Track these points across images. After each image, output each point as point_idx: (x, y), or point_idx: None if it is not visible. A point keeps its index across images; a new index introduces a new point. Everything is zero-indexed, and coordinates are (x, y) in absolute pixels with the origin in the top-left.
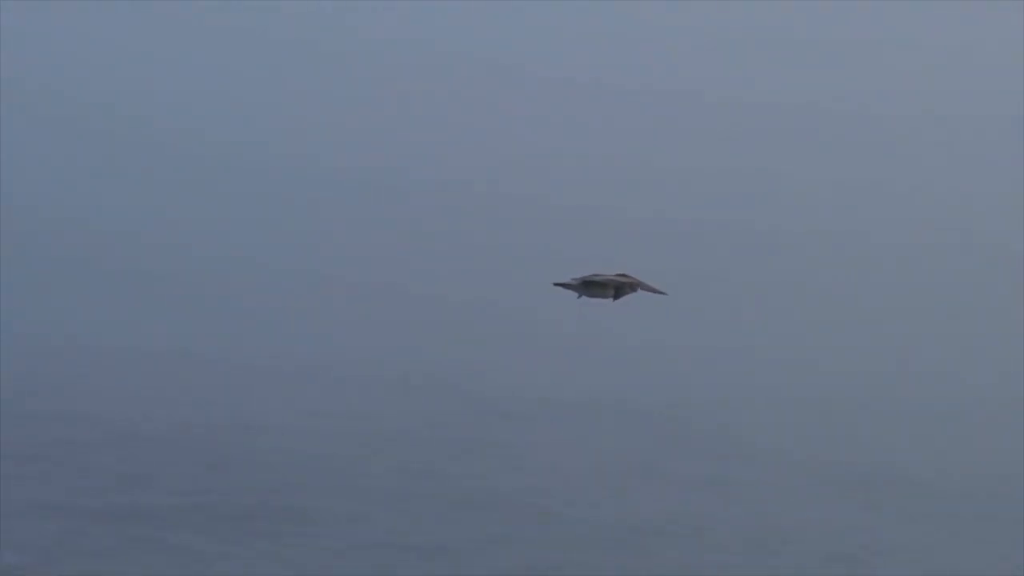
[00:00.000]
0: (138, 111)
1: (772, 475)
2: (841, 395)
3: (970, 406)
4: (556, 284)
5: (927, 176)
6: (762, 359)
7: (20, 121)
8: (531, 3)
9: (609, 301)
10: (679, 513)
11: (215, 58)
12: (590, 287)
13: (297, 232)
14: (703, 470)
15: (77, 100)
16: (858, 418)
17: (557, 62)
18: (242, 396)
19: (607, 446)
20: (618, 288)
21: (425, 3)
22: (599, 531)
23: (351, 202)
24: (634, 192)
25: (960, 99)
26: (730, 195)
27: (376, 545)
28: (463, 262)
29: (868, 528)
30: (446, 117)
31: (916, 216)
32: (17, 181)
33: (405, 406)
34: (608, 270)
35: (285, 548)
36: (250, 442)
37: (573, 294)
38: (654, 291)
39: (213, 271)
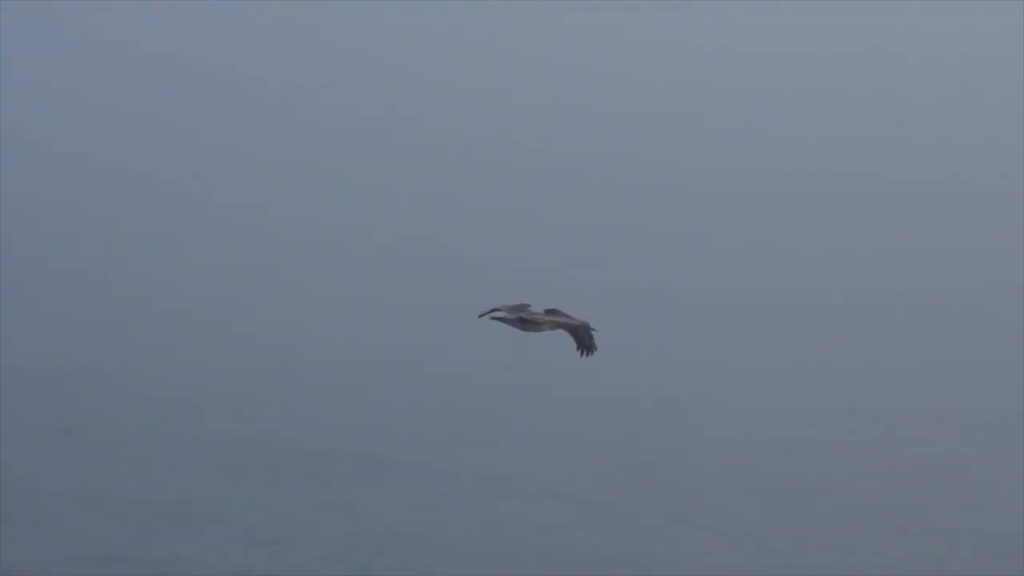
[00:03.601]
0: None
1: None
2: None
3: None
4: (493, 318)
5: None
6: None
7: None
8: None
9: (538, 333)
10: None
11: None
12: (526, 324)
13: None
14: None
15: None
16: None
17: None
18: None
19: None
20: (576, 336)
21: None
22: (41, 499)
23: None
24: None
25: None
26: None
27: None
28: None
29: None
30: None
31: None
32: None
33: None
34: (527, 301)
35: None
36: None
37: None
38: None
39: None
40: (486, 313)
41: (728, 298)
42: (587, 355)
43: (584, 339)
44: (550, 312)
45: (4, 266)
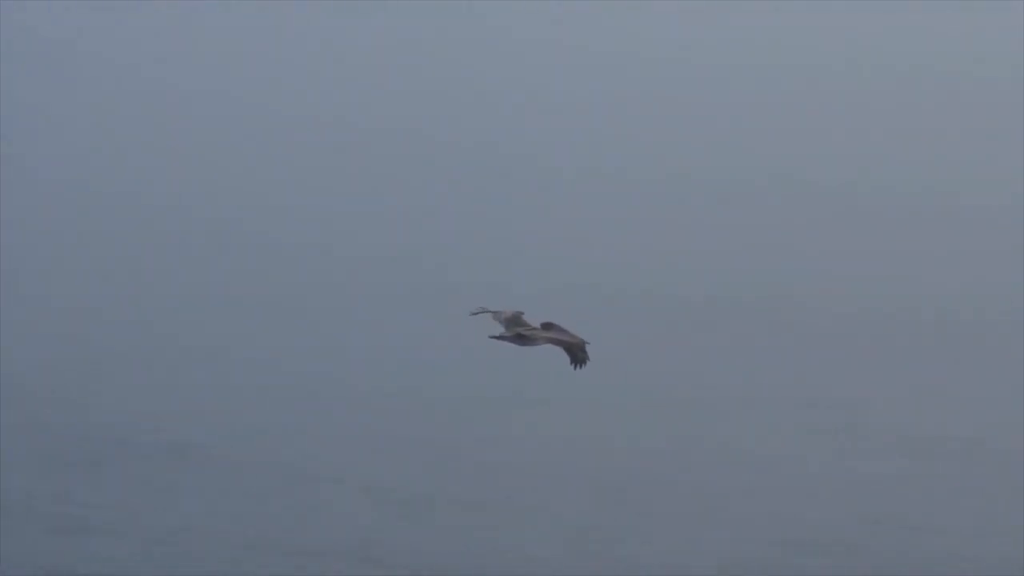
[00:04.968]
0: None
1: None
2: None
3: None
4: (490, 337)
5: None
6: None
7: None
8: None
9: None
10: None
11: None
12: (523, 339)
13: None
14: None
15: None
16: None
17: None
18: None
19: None
20: (570, 352)
21: None
22: None
23: None
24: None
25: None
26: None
27: None
28: None
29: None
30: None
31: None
32: None
33: None
34: (517, 310)
35: None
36: None
37: None
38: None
39: None
40: (478, 313)
41: (579, 293)
42: (579, 367)
43: (578, 354)
44: (546, 327)
45: None
